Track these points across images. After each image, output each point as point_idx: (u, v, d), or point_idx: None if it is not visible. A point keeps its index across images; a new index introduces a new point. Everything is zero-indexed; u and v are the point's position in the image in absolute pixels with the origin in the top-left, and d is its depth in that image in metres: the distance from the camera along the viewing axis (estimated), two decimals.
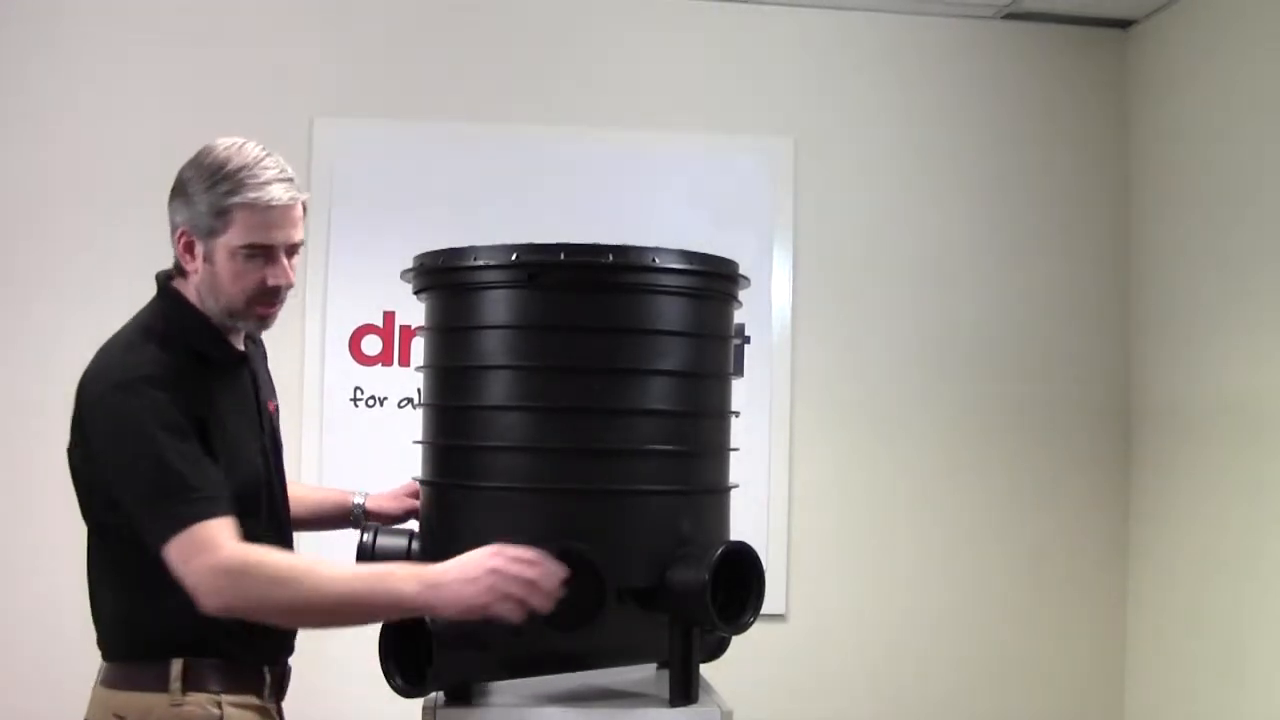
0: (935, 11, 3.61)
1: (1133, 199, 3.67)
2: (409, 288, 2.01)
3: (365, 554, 1.90)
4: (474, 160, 3.46)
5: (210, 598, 1.64)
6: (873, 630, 3.55)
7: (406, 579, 1.66)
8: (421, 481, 1.94)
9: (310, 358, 3.38)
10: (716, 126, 3.57)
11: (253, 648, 1.81)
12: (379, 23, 3.48)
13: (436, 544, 1.88)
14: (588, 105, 3.54)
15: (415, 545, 1.90)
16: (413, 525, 2.07)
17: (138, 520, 1.70)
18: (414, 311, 2.03)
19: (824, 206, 3.58)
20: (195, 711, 1.75)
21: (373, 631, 1.76)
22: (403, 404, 3.40)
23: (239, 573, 1.64)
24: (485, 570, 1.64)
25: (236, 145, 1.81)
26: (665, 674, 1.86)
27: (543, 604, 1.65)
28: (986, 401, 3.60)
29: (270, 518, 1.89)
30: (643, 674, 2.02)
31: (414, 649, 1.73)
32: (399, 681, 1.75)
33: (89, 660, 1.85)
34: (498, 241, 1.83)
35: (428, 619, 1.70)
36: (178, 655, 1.75)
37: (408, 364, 3.40)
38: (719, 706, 1.80)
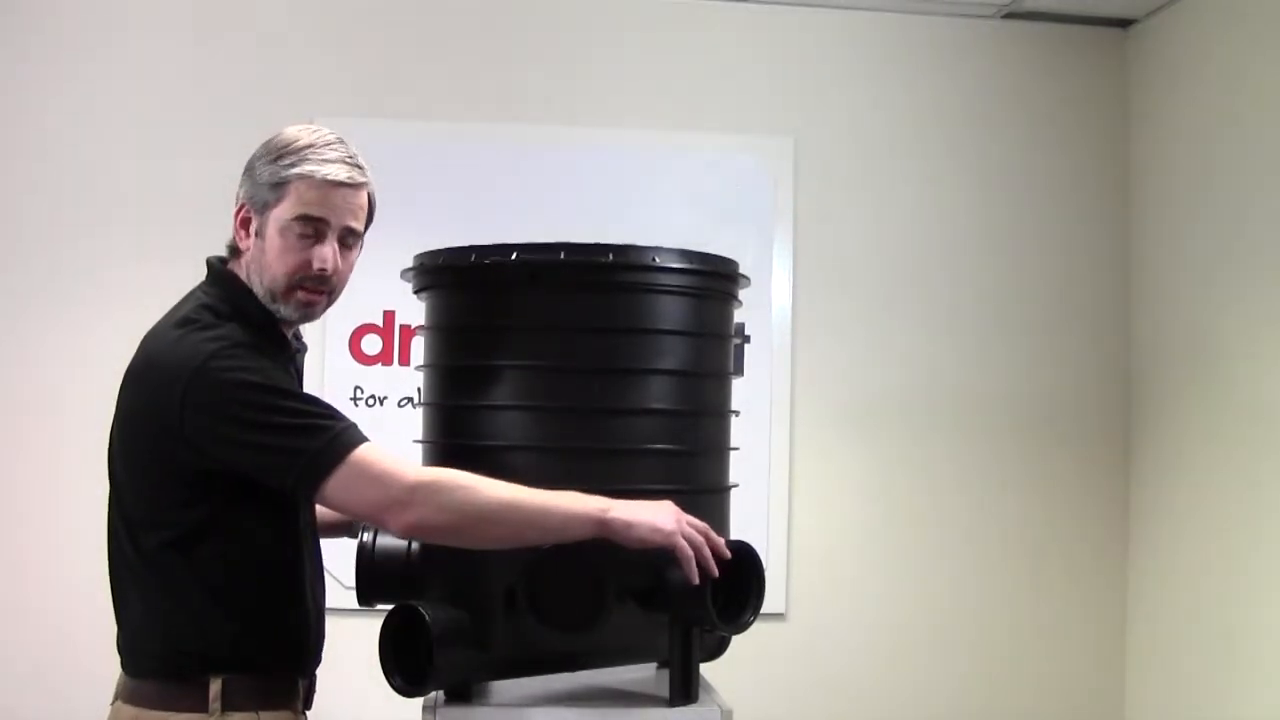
0: (935, 11, 3.61)
1: (1133, 199, 3.67)
2: (409, 287, 2.01)
3: (365, 554, 1.90)
4: (474, 160, 3.46)
5: (408, 513, 1.62)
6: (873, 630, 3.55)
7: (598, 498, 1.67)
8: None
9: (310, 357, 3.35)
10: (716, 126, 3.57)
11: (288, 660, 1.80)
12: (379, 23, 3.48)
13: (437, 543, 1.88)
14: (588, 105, 3.54)
15: (415, 544, 1.90)
16: None
17: (283, 473, 1.64)
18: (414, 311, 2.03)
19: (824, 206, 3.58)
20: None
21: (372, 631, 1.76)
22: (403, 403, 3.40)
23: (436, 484, 1.64)
24: (673, 509, 1.70)
25: (311, 128, 1.79)
26: (665, 674, 1.86)
27: (712, 567, 1.69)
28: (987, 401, 3.60)
29: (309, 512, 1.87)
30: (643, 674, 2.01)
31: (414, 649, 1.73)
32: (399, 681, 1.75)
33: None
34: (498, 241, 1.83)
35: (428, 618, 1.70)
36: (216, 672, 1.71)
37: (408, 363, 3.41)
38: (719, 706, 1.80)
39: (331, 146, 1.76)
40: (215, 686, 1.70)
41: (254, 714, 1.72)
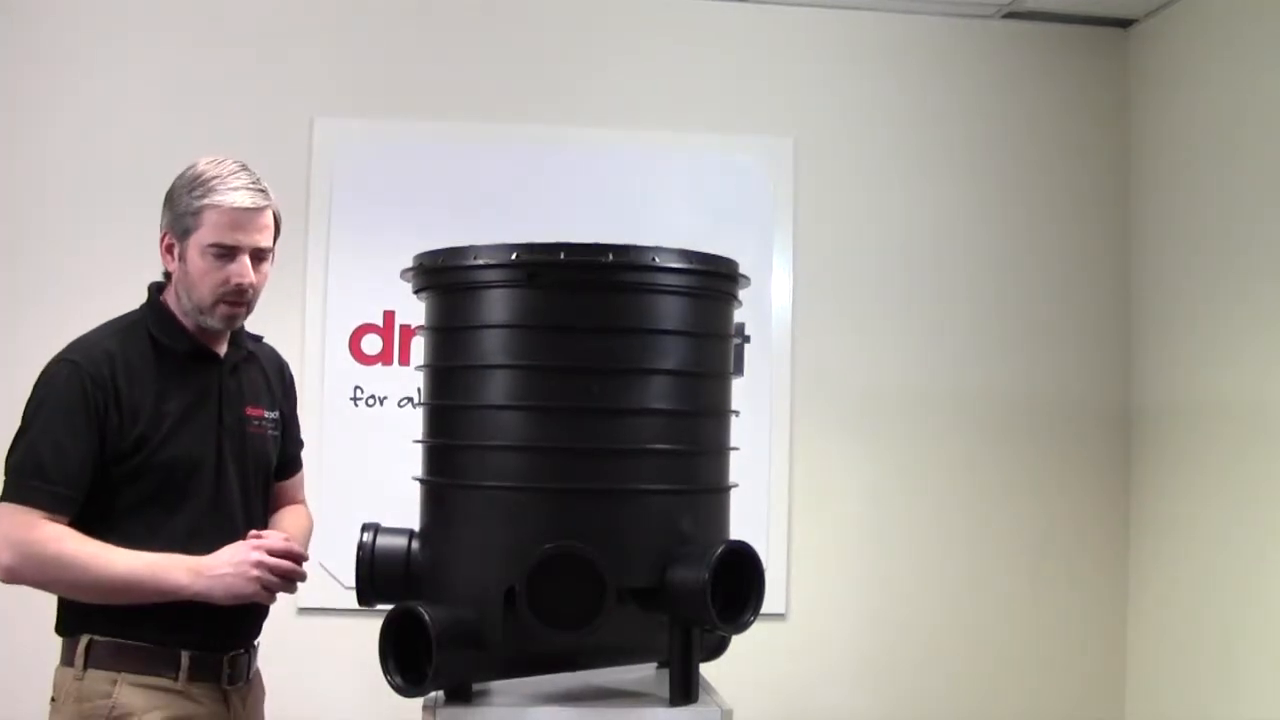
0: (935, 11, 3.61)
1: (1133, 199, 3.67)
2: (409, 287, 2.01)
3: (365, 555, 1.90)
4: (474, 160, 3.46)
5: (3, 570, 1.88)
6: (873, 630, 3.55)
7: (182, 573, 1.91)
8: (422, 481, 1.94)
9: (310, 358, 3.38)
10: (716, 126, 3.57)
11: (161, 631, 1.94)
12: (379, 23, 3.48)
13: (437, 544, 1.88)
14: (588, 105, 3.54)
15: (415, 545, 1.90)
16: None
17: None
18: (414, 311, 2.03)
19: (824, 206, 3.58)
20: (91, 687, 1.92)
21: (372, 631, 1.76)
22: (403, 403, 3.40)
23: (30, 550, 1.86)
24: (252, 563, 1.94)
25: (217, 160, 2.03)
26: (665, 674, 1.86)
27: (292, 590, 1.99)
28: (986, 401, 3.60)
29: (216, 507, 2.03)
30: (643, 674, 2.01)
31: (414, 648, 1.73)
32: (399, 681, 1.75)
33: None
34: (498, 241, 1.83)
35: (427, 618, 1.70)
36: (85, 631, 1.93)
37: (408, 363, 3.41)
38: (719, 706, 1.80)
39: (236, 175, 2.01)
40: (82, 643, 1.93)
41: (115, 674, 1.92)
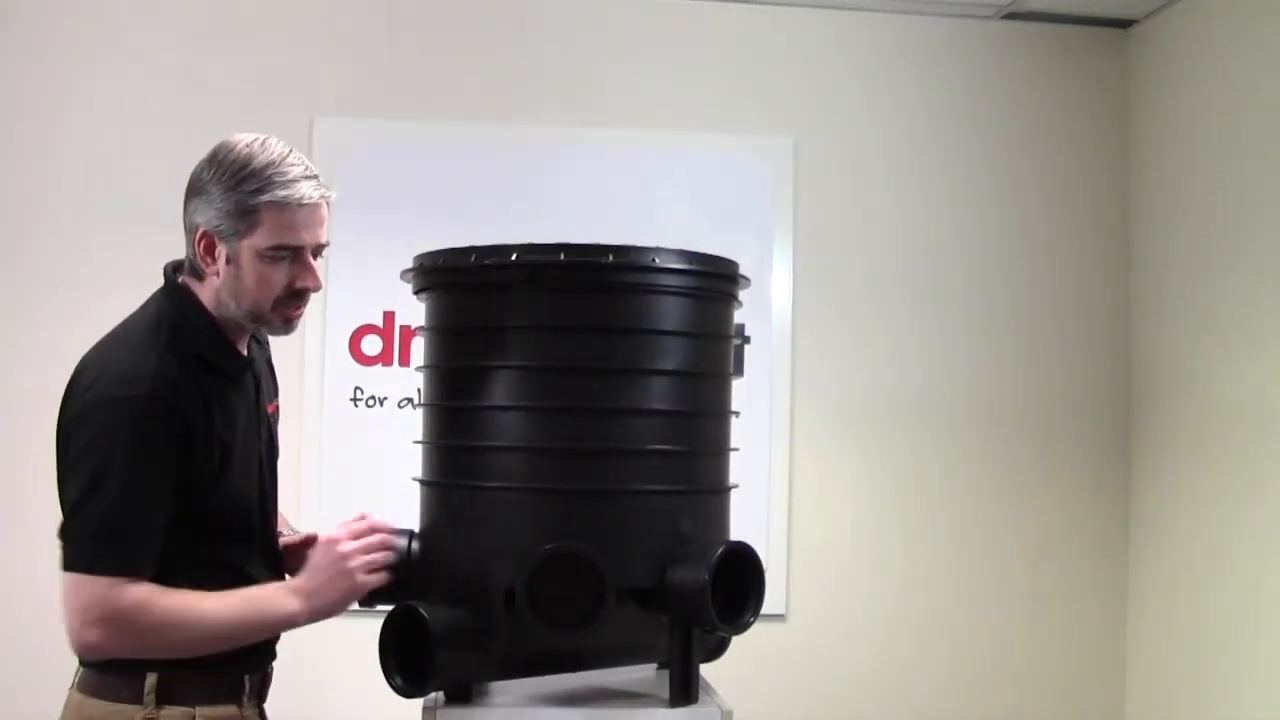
0: (935, 11, 3.61)
1: (1133, 199, 3.67)
2: (409, 288, 2.01)
3: None
4: (474, 160, 3.46)
5: (87, 648, 1.67)
6: (872, 630, 3.55)
7: (287, 598, 1.75)
8: (422, 482, 1.94)
9: (310, 358, 3.38)
10: (716, 126, 3.57)
11: (234, 657, 1.78)
12: (379, 23, 3.48)
13: (437, 544, 1.88)
14: (588, 105, 3.54)
15: (415, 545, 1.90)
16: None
17: (61, 528, 1.68)
18: (414, 311, 2.03)
19: (824, 206, 3.58)
20: None
21: (372, 631, 1.76)
22: (403, 404, 3.40)
23: (120, 621, 1.65)
24: (338, 560, 1.76)
25: (259, 141, 1.75)
26: (665, 674, 1.86)
27: (389, 557, 1.80)
28: (986, 401, 3.61)
29: (263, 543, 1.88)
30: (643, 674, 2.01)
31: (414, 649, 1.73)
32: (399, 681, 1.75)
33: (65, 662, 1.82)
34: (498, 241, 1.83)
35: (427, 618, 1.70)
36: (153, 666, 1.72)
37: (408, 364, 3.41)
38: (719, 706, 1.80)
39: (288, 162, 1.74)
40: (151, 679, 1.72)
41: (190, 708, 1.74)
